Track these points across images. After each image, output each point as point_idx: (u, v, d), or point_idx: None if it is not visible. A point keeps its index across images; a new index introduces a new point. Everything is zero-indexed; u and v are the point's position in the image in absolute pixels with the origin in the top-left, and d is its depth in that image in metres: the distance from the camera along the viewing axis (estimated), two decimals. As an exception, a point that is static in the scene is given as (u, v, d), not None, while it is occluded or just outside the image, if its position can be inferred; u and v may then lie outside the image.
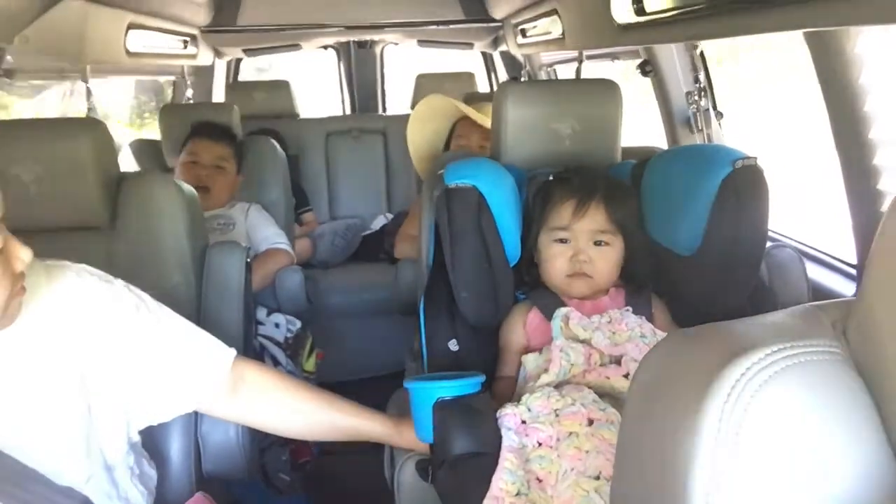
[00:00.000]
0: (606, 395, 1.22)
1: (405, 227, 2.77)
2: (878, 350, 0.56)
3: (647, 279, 1.46)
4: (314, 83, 4.97)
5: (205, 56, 3.25)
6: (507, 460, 1.10)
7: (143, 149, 2.82)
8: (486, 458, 1.11)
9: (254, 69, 4.51)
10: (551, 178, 1.50)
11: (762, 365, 0.54)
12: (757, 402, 0.53)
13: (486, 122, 2.33)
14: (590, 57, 2.75)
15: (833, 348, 0.57)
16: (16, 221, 1.40)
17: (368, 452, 1.49)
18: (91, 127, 1.49)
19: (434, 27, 3.35)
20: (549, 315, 1.36)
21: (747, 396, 0.53)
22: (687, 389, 0.57)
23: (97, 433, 1.09)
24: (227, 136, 2.48)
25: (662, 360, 0.64)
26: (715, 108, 2.15)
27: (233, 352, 1.23)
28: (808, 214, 2.68)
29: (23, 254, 0.95)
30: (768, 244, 1.43)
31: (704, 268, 1.40)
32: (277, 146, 2.73)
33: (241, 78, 4.09)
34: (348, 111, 4.07)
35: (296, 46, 3.72)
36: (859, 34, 1.32)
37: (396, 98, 4.14)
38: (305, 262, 2.96)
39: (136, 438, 1.19)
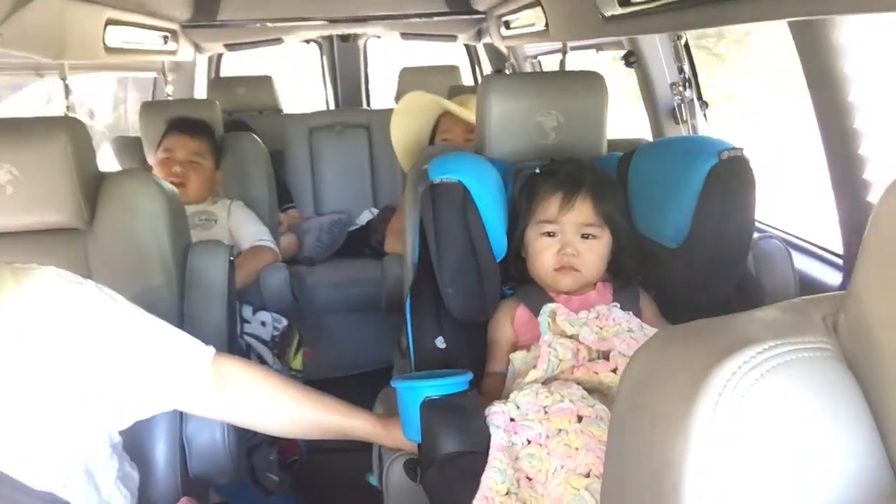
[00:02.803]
0: (595, 390, 1.21)
1: (395, 221, 2.75)
2: (869, 345, 0.56)
3: (634, 272, 1.45)
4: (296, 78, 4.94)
5: (185, 51, 3.21)
6: (496, 459, 1.08)
7: (125, 146, 2.79)
8: (475, 458, 1.10)
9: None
10: (537, 171, 1.49)
11: (753, 364, 0.53)
12: (748, 400, 0.52)
13: (470, 116, 2.32)
14: (574, 48, 2.74)
15: (824, 344, 0.57)
16: (-8, 224, 1.39)
17: (358, 451, 1.48)
18: (69, 125, 1.46)
19: (417, 19, 3.34)
20: (536, 311, 1.34)
21: (738, 395, 0.52)
22: (677, 388, 0.56)
23: (75, 436, 1.07)
24: (202, 131, 2.46)
25: (652, 358, 0.63)
26: (700, 98, 2.14)
27: (211, 349, 1.21)
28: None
29: None
30: (755, 235, 1.43)
31: (691, 260, 1.40)
32: (259, 142, 2.71)
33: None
34: (332, 106, 4.04)
35: (278, 41, 3.70)
36: (844, 23, 1.32)
37: (381, 92, 4.12)
38: (291, 258, 2.95)
39: (118, 439, 1.18)
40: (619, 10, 1.69)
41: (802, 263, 1.65)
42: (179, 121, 2.47)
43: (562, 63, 2.67)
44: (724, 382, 0.53)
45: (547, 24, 2.37)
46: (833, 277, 1.60)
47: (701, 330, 0.62)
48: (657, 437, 0.56)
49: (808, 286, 1.56)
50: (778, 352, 0.54)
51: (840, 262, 1.61)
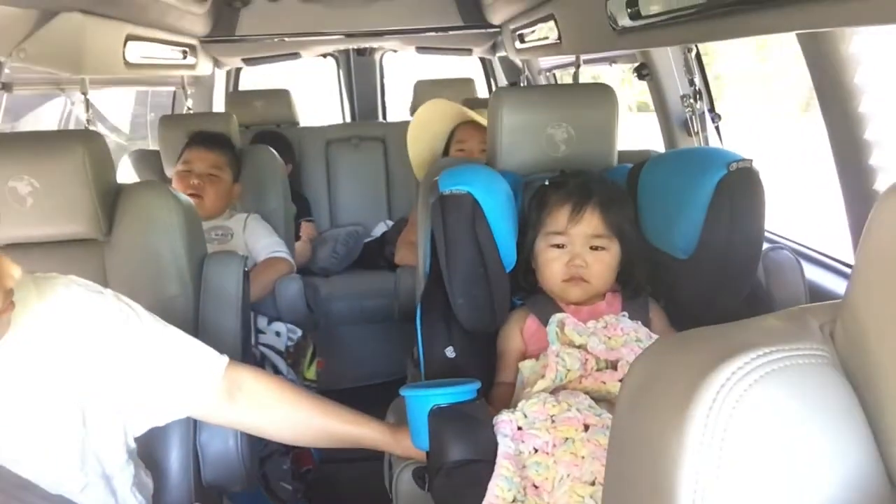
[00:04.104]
0: (603, 400, 1.22)
1: (405, 234, 2.77)
2: (865, 353, 0.56)
3: (643, 283, 1.45)
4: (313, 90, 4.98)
5: (204, 66, 3.26)
6: (503, 467, 1.09)
7: (143, 159, 2.82)
8: (483, 466, 1.11)
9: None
10: (547, 182, 1.50)
11: (747, 369, 0.53)
12: (742, 406, 0.53)
13: None
14: (587, 61, 2.75)
15: (820, 351, 0.57)
16: (12, 235, 1.43)
17: (370, 460, 1.49)
18: (87, 139, 1.49)
19: (433, 34, 3.36)
20: (545, 321, 1.35)
21: (732, 400, 0.53)
22: (674, 394, 0.56)
23: (93, 442, 1.10)
24: (222, 145, 2.48)
25: (650, 364, 0.64)
26: (712, 109, 2.14)
27: (225, 358, 1.23)
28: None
29: (13, 271, 0.95)
30: (765, 246, 1.43)
31: (701, 271, 1.40)
32: (276, 154, 2.73)
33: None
34: (348, 119, 4.08)
35: (295, 55, 3.74)
36: (853, 35, 1.32)
37: (396, 105, 4.15)
38: (304, 266, 2.97)
39: (133, 445, 1.19)
40: (630, 23, 1.70)
41: (813, 274, 1.64)
42: (199, 134, 2.50)
43: (575, 76, 2.69)
44: (717, 389, 0.53)
45: (560, 38, 2.39)
46: (844, 288, 1.58)
47: (698, 337, 0.63)
48: (654, 442, 0.57)
49: (819, 296, 1.55)
50: (773, 358, 0.55)
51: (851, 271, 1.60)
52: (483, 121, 2.38)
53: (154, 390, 1.16)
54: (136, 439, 1.20)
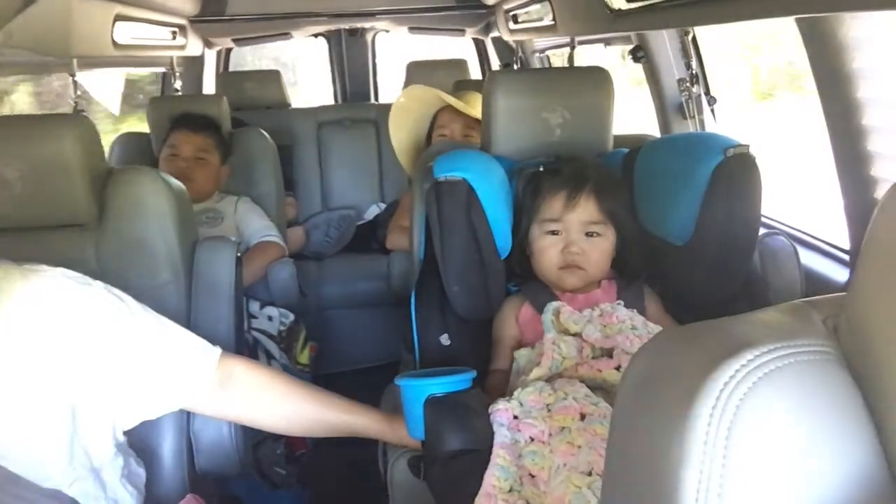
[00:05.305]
0: (599, 388, 1.21)
1: (396, 218, 2.76)
2: (869, 348, 0.55)
3: (639, 270, 1.45)
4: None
5: (194, 46, 3.22)
6: (499, 456, 1.09)
7: (133, 142, 2.79)
8: (478, 455, 1.10)
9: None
10: (541, 169, 1.48)
11: (751, 367, 0.53)
12: (746, 405, 0.52)
13: (469, 110, 2.32)
14: (581, 42, 2.73)
15: (824, 347, 0.56)
16: (1, 221, 1.40)
17: (365, 444, 1.49)
18: (76, 122, 1.47)
19: (425, 13, 3.33)
20: (540, 308, 1.35)
21: (736, 399, 0.52)
22: (676, 392, 0.56)
23: (81, 436, 1.09)
24: (207, 127, 2.45)
25: (652, 359, 0.63)
26: (708, 93, 2.13)
27: (217, 350, 1.22)
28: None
29: None
30: (761, 232, 1.42)
31: (697, 257, 1.39)
32: (268, 137, 2.71)
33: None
34: (340, 100, 4.04)
35: (286, 35, 3.70)
36: (852, 19, 1.30)
37: (389, 87, 4.11)
38: (299, 252, 2.95)
39: (122, 438, 1.19)
40: (626, 5, 1.68)
41: (809, 259, 1.64)
42: (184, 117, 2.47)
43: (570, 58, 2.66)
44: (721, 387, 0.52)
45: (554, 19, 2.36)
46: (840, 274, 1.59)
47: (701, 332, 0.62)
48: (656, 439, 0.56)
49: (815, 283, 1.55)
50: (777, 355, 0.54)
51: (847, 257, 1.60)
52: (461, 105, 2.36)
53: (145, 384, 1.15)
54: (129, 430, 1.19)
